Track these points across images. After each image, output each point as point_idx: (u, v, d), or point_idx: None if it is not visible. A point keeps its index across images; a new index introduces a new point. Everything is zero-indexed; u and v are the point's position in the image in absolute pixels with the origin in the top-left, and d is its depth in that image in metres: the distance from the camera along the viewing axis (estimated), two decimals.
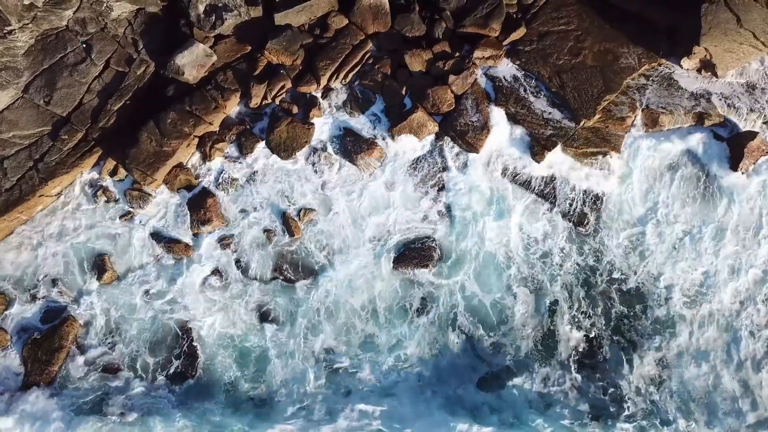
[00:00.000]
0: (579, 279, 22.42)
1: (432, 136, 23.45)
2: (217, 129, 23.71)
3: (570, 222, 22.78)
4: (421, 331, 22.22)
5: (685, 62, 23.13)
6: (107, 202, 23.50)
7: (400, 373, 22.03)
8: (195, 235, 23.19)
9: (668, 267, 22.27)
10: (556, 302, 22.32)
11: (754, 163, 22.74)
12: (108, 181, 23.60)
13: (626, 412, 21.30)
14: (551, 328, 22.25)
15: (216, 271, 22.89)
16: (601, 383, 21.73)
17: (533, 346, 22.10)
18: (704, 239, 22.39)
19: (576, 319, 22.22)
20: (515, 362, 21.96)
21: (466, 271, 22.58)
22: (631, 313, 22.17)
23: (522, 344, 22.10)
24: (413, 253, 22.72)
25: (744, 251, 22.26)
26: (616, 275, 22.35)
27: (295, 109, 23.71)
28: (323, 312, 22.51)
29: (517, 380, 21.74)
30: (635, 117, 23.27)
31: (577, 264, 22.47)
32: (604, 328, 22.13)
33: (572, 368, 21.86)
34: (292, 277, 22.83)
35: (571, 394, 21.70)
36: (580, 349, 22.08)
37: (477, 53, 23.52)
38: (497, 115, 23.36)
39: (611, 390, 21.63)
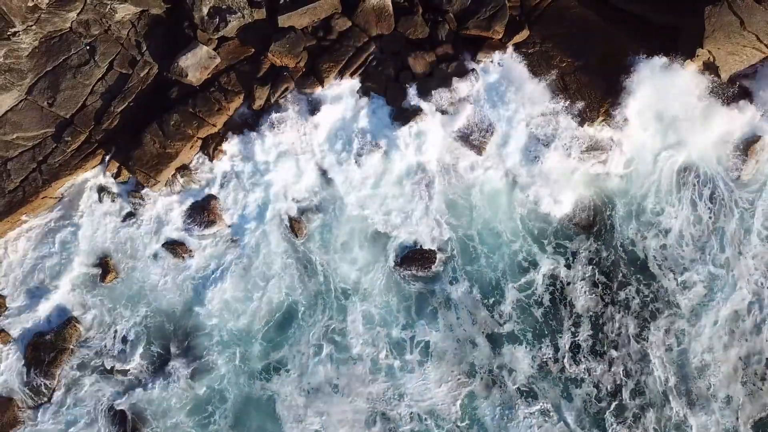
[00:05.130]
0: None
1: None
2: (221, 131, 23.73)
3: None
4: None
5: (689, 64, 23.10)
6: (111, 203, 23.48)
7: None
8: (199, 236, 23.21)
9: None
10: None
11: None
12: (111, 183, 23.56)
13: None
14: None
15: None
16: None
17: None
18: None
19: None
20: None
21: None
22: None
23: None
24: None
25: None
26: None
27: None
28: None
29: None
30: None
31: None
32: None
33: None
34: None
35: None
36: None
37: (480, 55, 23.54)
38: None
39: None
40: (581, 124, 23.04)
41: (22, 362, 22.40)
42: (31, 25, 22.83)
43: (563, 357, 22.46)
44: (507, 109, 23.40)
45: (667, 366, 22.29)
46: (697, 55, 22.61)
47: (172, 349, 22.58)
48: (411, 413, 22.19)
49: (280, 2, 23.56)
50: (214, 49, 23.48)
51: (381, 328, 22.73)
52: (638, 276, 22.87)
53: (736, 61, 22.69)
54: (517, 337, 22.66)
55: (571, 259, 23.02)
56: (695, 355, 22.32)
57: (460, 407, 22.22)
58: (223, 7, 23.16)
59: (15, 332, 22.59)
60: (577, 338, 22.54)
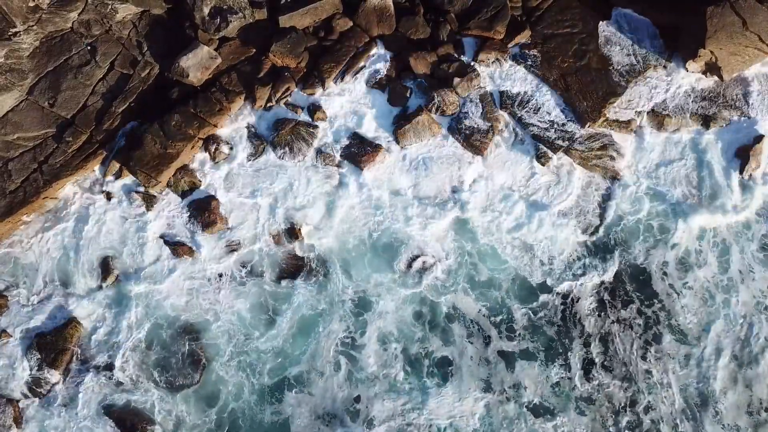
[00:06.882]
0: None
1: None
2: (222, 131, 23.71)
3: None
4: None
5: (690, 65, 23.07)
6: (111, 204, 23.46)
7: None
8: (199, 237, 23.21)
9: None
10: None
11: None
12: (112, 183, 23.54)
13: None
14: None
15: None
16: None
17: None
18: None
19: None
20: None
21: None
22: None
23: None
24: None
25: None
26: None
27: (299, 112, 23.71)
28: None
29: None
30: (640, 120, 23.26)
31: None
32: None
33: None
34: None
35: None
36: None
37: (482, 56, 23.52)
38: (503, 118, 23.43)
39: None
40: (583, 125, 23.01)
41: (23, 362, 22.40)
42: (32, 26, 22.85)
43: (575, 374, 22.28)
44: (507, 110, 23.40)
45: (674, 390, 22.00)
46: (699, 56, 22.59)
47: (174, 355, 22.55)
48: (430, 426, 21.91)
49: (282, 2, 23.57)
50: (215, 50, 23.47)
51: (397, 343, 22.45)
52: (640, 294, 22.62)
53: (738, 61, 22.65)
54: (531, 353, 22.44)
55: (582, 271, 22.82)
56: (702, 381, 22.00)
57: (479, 419, 21.99)
58: (224, 7, 23.15)
59: (16, 332, 22.60)
60: (589, 355, 22.34)
